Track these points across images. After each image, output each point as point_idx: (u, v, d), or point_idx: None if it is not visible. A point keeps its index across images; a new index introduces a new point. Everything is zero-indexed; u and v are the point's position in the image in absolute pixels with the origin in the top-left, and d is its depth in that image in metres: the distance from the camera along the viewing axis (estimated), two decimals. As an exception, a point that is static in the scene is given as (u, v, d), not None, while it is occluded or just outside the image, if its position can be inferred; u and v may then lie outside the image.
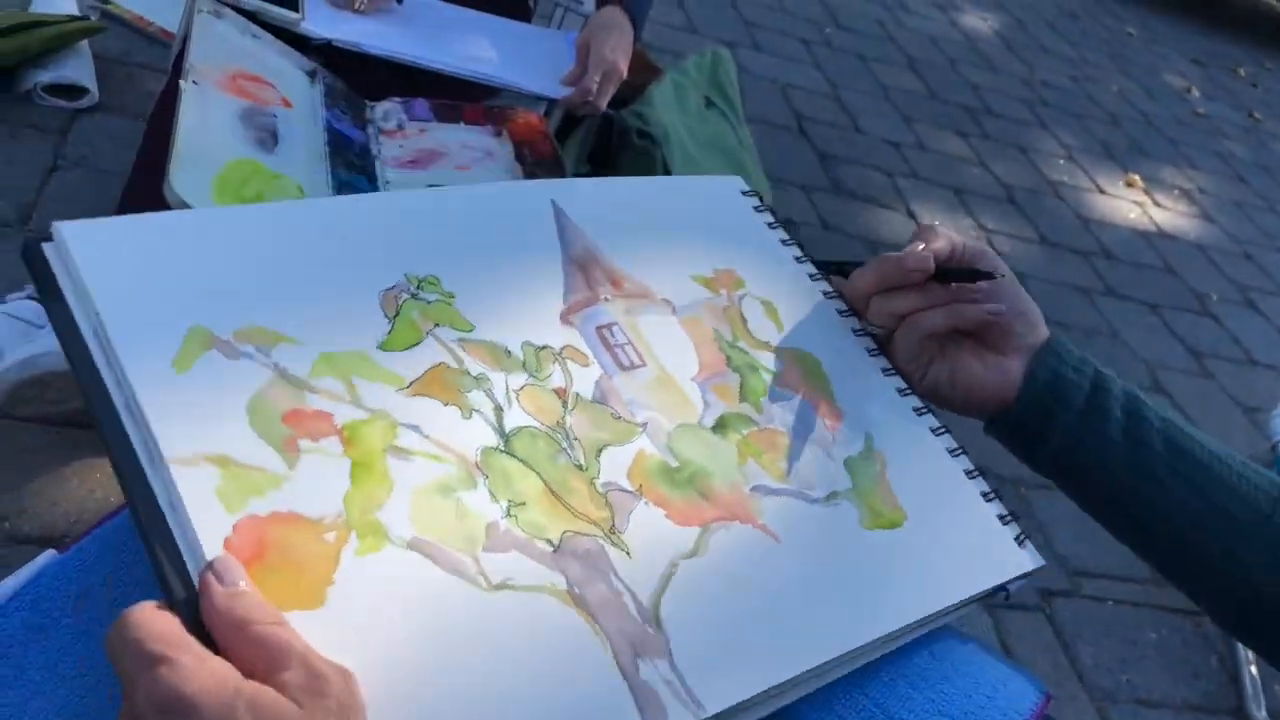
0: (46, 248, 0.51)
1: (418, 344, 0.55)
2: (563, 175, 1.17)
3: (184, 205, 0.89)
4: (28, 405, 1.30)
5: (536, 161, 1.20)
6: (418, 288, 0.57)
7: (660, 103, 1.94)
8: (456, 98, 1.29)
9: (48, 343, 1.28)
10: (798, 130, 2.94)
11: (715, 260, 0.70)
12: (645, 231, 0.69)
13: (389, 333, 0.55)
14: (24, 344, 1.29)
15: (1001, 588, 0.62)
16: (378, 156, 1.13)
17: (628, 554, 0.51)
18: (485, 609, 0.47)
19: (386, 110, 1.23)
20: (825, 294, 0.73)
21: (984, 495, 0.66)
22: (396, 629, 0.45)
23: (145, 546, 0.44)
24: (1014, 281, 0.70)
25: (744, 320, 0.67)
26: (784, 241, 0.75)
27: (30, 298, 1.36)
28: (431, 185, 1.10)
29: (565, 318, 0.61)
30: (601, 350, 0.60)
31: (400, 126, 1.21)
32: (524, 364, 0.57)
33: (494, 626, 0.46)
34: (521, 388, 0.56)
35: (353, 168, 1.05)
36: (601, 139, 1.86)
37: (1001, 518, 0.65)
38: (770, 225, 0.75)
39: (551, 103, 1.48)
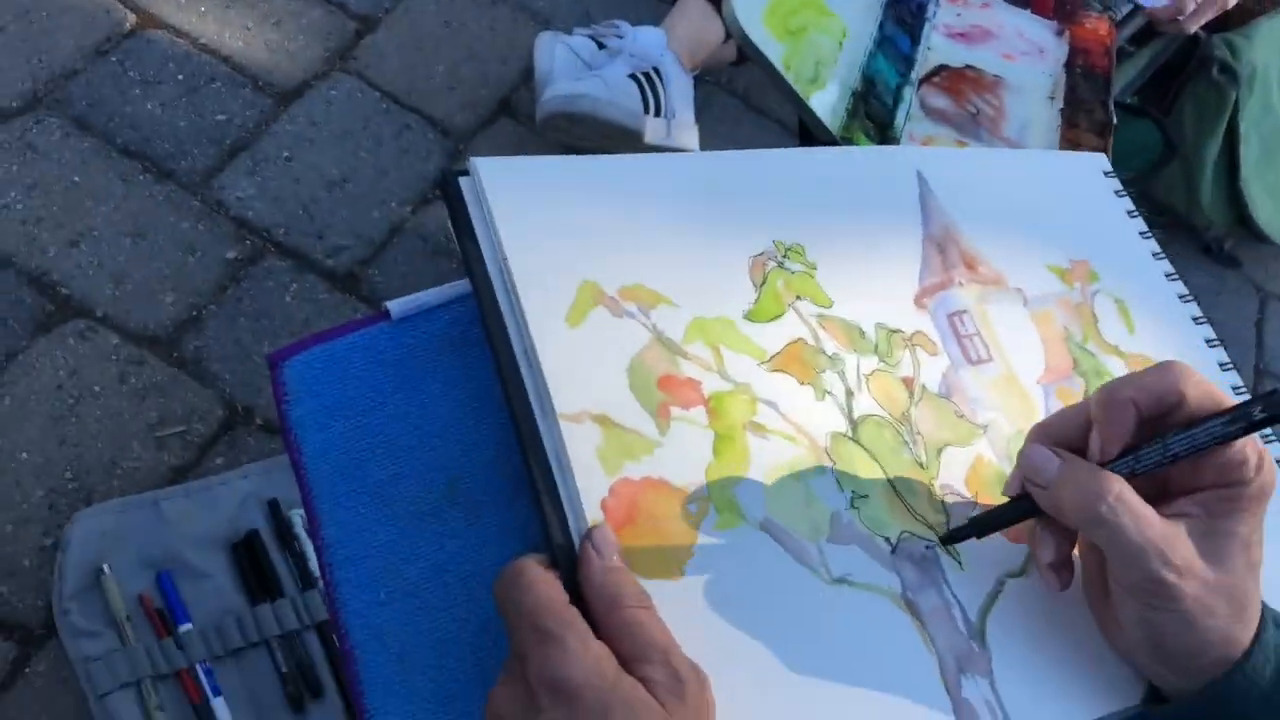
0: (463, 182, 0.55)
1: (779, 317, 0.57)
2: (1105, 97, 1.11)
3: (737, 26, 0.90)
4: (555, 133, 1.48)
5: (1085, 73, 1.15)
6: (784, 256, 0.59)
7: (1262, 39, 1.79)
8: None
9: (591, 86, 1.44)
10: None
11: (1071, 249, 0.67)
12: (1005, 212, 0.67)
13: (755, 302, 0.56)
14: (573, 80, 1.46)
15: None
16: (931, 19, 1.11)
17: (960, 564, 0.53)
18: (825, 601, 0.49)
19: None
20: (1180, 297, 0.69)
21: None
22: (744, 610, 0.48)
23: (531, 492, 0.48)
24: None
25: (1095, 319, 0.65)
26: (1143, 234, 0.71)
27: (592, 37, 1.51)
28: (970, 67, 1.08)
29: (919, 300, 0.61)
30: (951, 340, 0.60)
31: (969, -8, 1.17)
32: (876, 347, 0.58)
33: (832, 620, 0.49)
34: (872, 372, 0.57)
35: (903, 24, 1.04)
36: (1178, 60, 1.72)
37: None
38: (1130, 214, 0.71)
39: (1134, 10, 1.40)
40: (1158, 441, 0.47)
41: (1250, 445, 0.47)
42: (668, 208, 0.57)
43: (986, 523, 0.52)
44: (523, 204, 0.54)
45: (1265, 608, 0.50)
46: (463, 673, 0.49)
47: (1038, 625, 0.52)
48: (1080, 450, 0.49)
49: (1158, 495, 0.48)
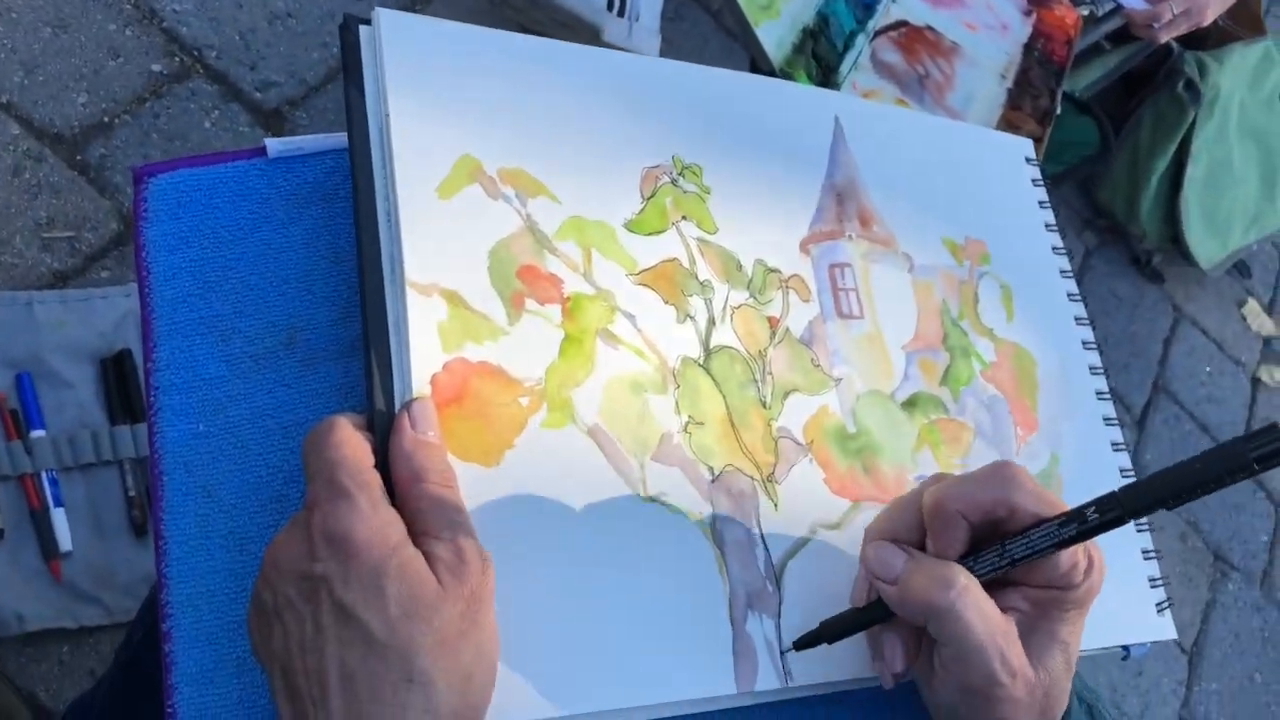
0: (363, 31, 0.53)
1: (661, 233, 0.56)
2: (1056, 86, 1.09)
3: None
4: (512, 10, 1.39)
5: (1042, 59, 1.13)
6: (680, 173, 0.58)
7: (1233, 64, 1.79)
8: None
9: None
10: None
11: (971, 227, 0.68)
12: (914, 177, 0.67)
13: (638, 213, 0.56)
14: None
15: (1124, 646, 0.63)
16: (901, -30, 1.08)
17: (775, 506, 0.53)
18: (633, 515, 0.50)
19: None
20: (1069, 295, 0.70)
21: (1144, 552, 0.65)
22: (551, 508, 0.48)
23: (364, 353, 0.47)
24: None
25: (977, 300, 0.66)
26: (1048, 226, 0.71)
27: None
28: (930, 28, 1.06)
29: (804, 246, 0.61)
30: (827, 290, 0.60)
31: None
32: (750, 282, 0.58)
33: (635, 534, 0.49)
34: (739, 306, 0.57)
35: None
36: (1149, 67, 1.71)
37: (1153, 580, 0.64)
38: (1041, 204, 0.72)
39: (1116, 8, 1.37)
40: (996, 546, 0.47)
41: (1082, 549, 0.47)
42: (572, 99, 0.56)
43: (836, 628, 0.50)
44: (418, 65, 0.52)
45: (1073, 684, 0.50)
46: (263, 519, 0.49)
47: (835, 580, 0.53)
48: (920, 547, 0.49)
49: (988, 585, 0.47)
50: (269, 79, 1.32)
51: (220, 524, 0.49)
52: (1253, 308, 2.21)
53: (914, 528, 0.49)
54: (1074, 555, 0.46)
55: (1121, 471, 0.66)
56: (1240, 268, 2.14)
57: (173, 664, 0.47)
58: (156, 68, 1.26)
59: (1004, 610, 0.47)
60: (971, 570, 0.47)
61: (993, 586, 0.48)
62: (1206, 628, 1.85)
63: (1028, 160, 0.73)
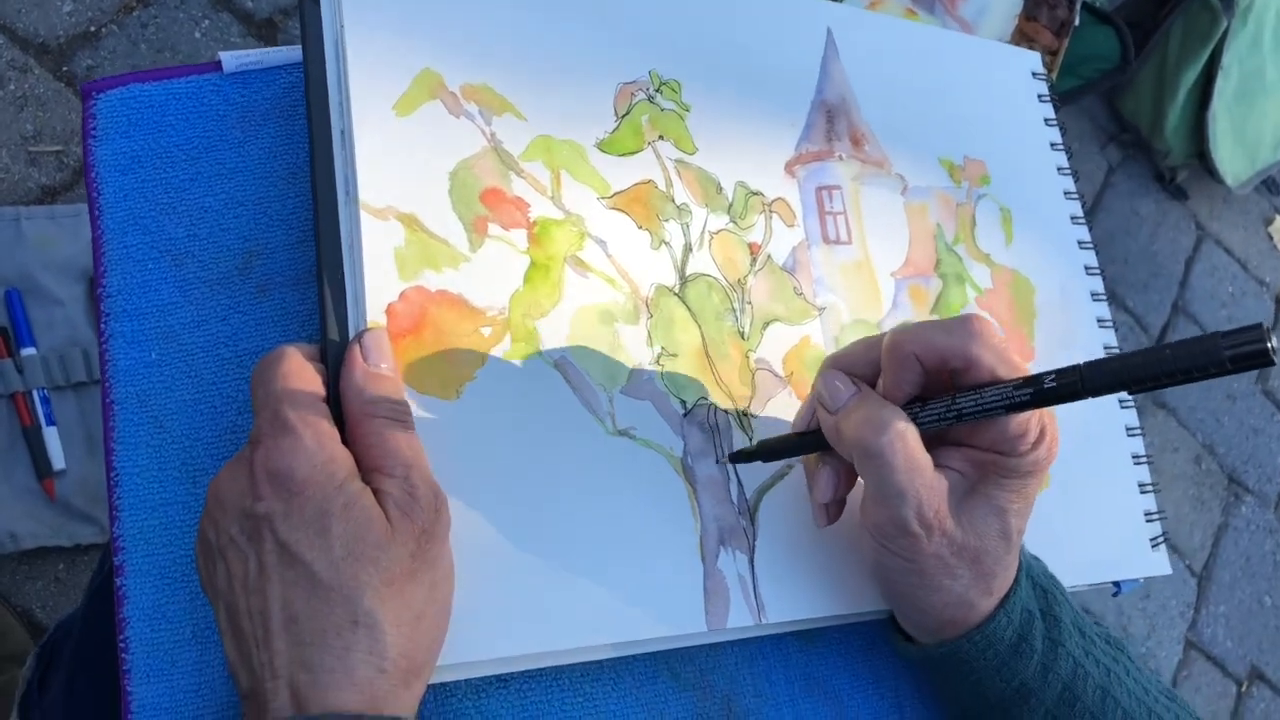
0: (319, -66, 0.50)
1: (635, 153, 0.53)
2: (1072, 1, 1.04)
3: None
4: None
5: None
6: (657, 90, 0.55)
7: None
8: None
9: None
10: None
11: (970, 147, 0.64)
12: (911, 93, 0.63)
13: (612, 132, 0.53)
14: None
15: (1115, 582, 0.61)
16: None
17: (750, 441, 0.52)
18: (601, 450, 0.48)
19: None
20: (1073, 218, 0.67)
21: (1140, 485, 0.63)
22: (514, 443, 0.46)
23: (317, 280, 0.45)
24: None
25: (974, 223, 0.63)
26: (1054, 145, 0.68)
27: None
28: None
29: (790, 167, 0.58)
30: (813, 214, 0.58)
31: None
32: (730, 206, 0.55)
33: (603, 469, 0.48)
34: (719, 231, 0.54)
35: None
36: None
37: (1149, 514, 0.63)
38: (1047, 121, 0.68)
39: None
40: (946, 398, 0.45)
41: (1036, 418, 0.45)
42: (540, 10, 0.53)
43: (773, 449, 0.50)
44: (377, -29, 0.49)
45: (1023, 566, 0.49)
46: (215, 450, 0.48)
47: (810, 515, 0.51)
48: (873, 386, 0.47)
49: (930, 440, 0.46)
50: (261, -13, 1.28)
51: (173, 456, 0.48)
52: (1280, 226, 2.15)
53: (871, 365, 0.47)
54: (1024, 421, 0.45)
55: (1120, 403, 0.64)
56: (1269, 184, 2.08)
57: (125, 598, 0.46)
58: (144, -26, 1.22)
59: (942, 468, 0.46)
60: (916, 417, 0.45)
61: (936, 444, 0.46)
62: (1217, 551, 1.84)
63: (1034, 75, 0.69)
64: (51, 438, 0.99)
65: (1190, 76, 1.79)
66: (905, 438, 0.44)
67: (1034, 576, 0.50)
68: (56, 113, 1.13)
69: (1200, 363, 0.38)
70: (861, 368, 0.48)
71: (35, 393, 1.00)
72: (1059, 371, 0.42)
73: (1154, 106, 1.86)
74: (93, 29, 1.18)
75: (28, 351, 1.01)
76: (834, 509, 0.49)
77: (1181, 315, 1.94)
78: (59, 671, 0.66)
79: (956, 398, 0.44)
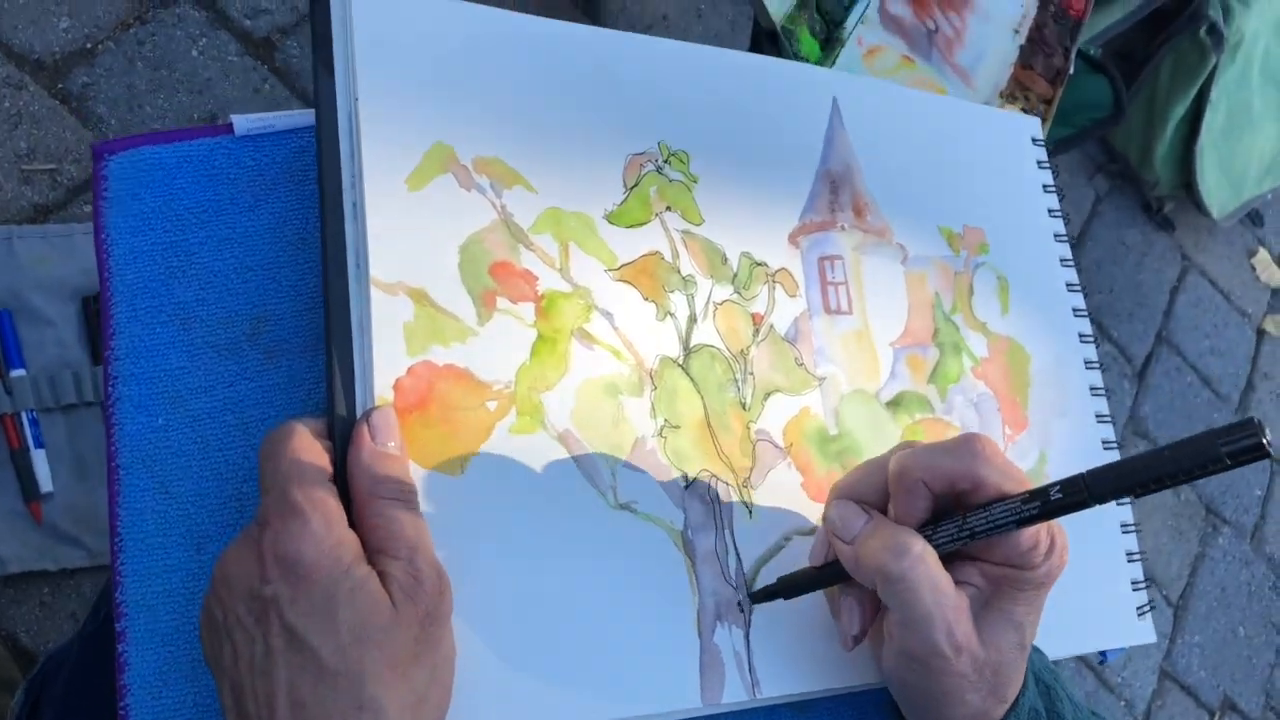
0: (335, 3, 0.50)
1: (643, 224, 0.54)
2: (1070, 44, 1.04)
3: None
4: None
5: (1058, 14, 1.07)
6: (666, 160, 0.55)
7: (1260, 7, 1.73)
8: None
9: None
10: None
11: (969, 215, 0.65)
12: (914, 163, 0.64)
13: (620, 204, 0.53)
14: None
15: (1102, 651, 0.62)
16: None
17: (749, 513, 0.52)
18: (602, 525, 0.48)
19: None
20: (1069, 285, 0.68)
21: (1129, 554, 0.64)
22: (517, 519, 0.47)
23: (325, 354, 0.46)
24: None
25: (971, 292, 0.64)
26: (1051, 211, 0.69)
27: None
28: None
29: (793, 238, 0.58)
30: (815, 284, 0.58)
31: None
32: (735, 276, 0.56)
33: (604, 544, 0.48)
34: (723, 302, 0.55)
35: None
36: (1173, 7, 1.64)
37: (1135, 583, 0.64)
38: (1045, 188, 0.69)
39: None
40: (957, 518, 0.45)
41: (1045, 529, 0.45)
42: (554, 82, 0.53)
43: (794, 584, 0.50)
44: (392, 42, 0.50)
45: (1031, 664, 0.50)
46: (220, 517, 0.48)
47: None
48: (883, 511, 0.48)
49: (945, 559, 0.46)
50: (259, 5, 1.27)
51: (178, 522, 0.48)
52: (1263, 258, 2.17)
53: (879, 490, 0.48)
54: (1035, 534, 0.45)
55: (1110, 471, 0.65)
56: (1253, 217, 2.11)
57: (126, 665, 0.46)
58: (143, -9, 1.22)
59: (959, 584, 0.46)
60: (930, 540, 0.46)
61: (951, 560, 0.47)
62: (1194, 581, 1.86)
63: (1034, 141, 0.70)
64: (39, 460, 0.99)
65: (1179, 110, 1.81)
66: (926, 560, 0.45)
67: (1038, 674, 0.51)
68: (51, 130, 1.12)
69: (1200, 461, 0.39)
70: (869, 493, 0.48)
71: (24, 414, 0.99)
72: (1063, 482, 0.43)
73: (1143, 137, 1.88)
74: (89, 46, 1.17)
75: (17, 373, 1.00)
76: (861, 638, 0.49)
77: (1165, 345, 1.96)
78: (49, 709, 0.66)
79: (968, 517, 0.45)
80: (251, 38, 1.26)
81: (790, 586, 0.50)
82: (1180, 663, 1.80)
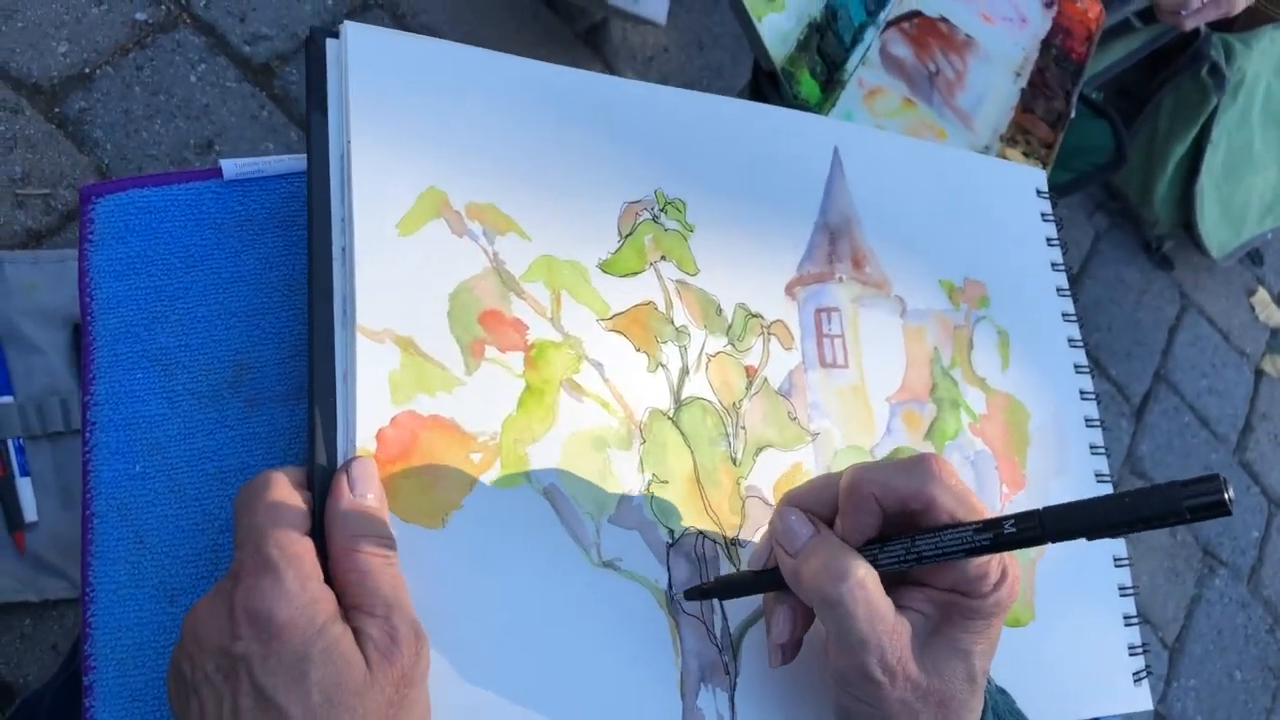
0: (330, 45, 0.49)
1: (637, 274, 0.53)
2: (1072, 87, 1.04)
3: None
4: None
5: (1060, 57, 1.07)
6: (662, 209, 0.55)
7: (1261, 48, 1.72)
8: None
9: None
10: None
11: (971, 269, 0.64)
12: (915, 215, 0.63)
13: (614, 253, 0.53)
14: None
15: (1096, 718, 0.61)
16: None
17: (737, 571, 0.51)
18: (585, 583, 0.47)
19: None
20: (1071, 341, 0.67)
21: (1125, 618, 0.63)
22: (498, 575, 0.46)
23: (308, 401, 0.45)
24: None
25: (971, 346, 0.63)
26: (1054, 265, 0.68)
27: None
28: (944, 19, 1.01)
29: (790, 289, 0.57)
30: (811, 337, 0.57)
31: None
32: (729, 328, 0.55)
33: (586, 604, 0.47)
34: (716, 353, 0.54)
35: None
36: (1175, 46, 1.65)
37: (1132, 648, 0.62)
38: (1049, 241, 0.68)
39: None
40: (906, 539, 0.44)
41: (996, 560, 0.44)
42: (549, 128, 0.53)
43: (731, 586, 0.49)
44: (385, 86, 0.49)
45: (988, 705, 0.48)
46: (194, 568, 0.47)
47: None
48: (831, 524, 0.47)
49: (890, 580, 0.45)
50: (259, 31, 1.27)
51: (151, 574, 0.47)
52: (1262, 297, 2.17)
53: (829, 505, 0.47)
54: (984, 564, 0.44)
55: (1108, 529, 0.64)
56: (1253, 256, 2.10)
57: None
58: (141, 16, 1.21)
59: (904, 609, 0.45)
60: (874, 560, 0.45)
61: (897, 583, 0.46)
62: (1190, 623, 1.84)
63: (1039, 193, 0.69)
64: (25, 489, 0.98)
65: (1179, 149, 1.81)
66: (865, 585, 0.43)
67: (1000, 715, 0.50)
68: (46, 155, 1.11)
69: (1160, 512, 0.38)
70: (819, 506, 0.47)
71: (10, 442, 0.98)
72: (1018, 516, 0.42)
73: (1143, 176, 1.88)
74: (87, 70, 1.16)
75: (4, 400, 0.99)
76: (790, 650, 0.48)
77: (1163, 384, 1.95)
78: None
79: (916, 539, 0.44)
80: (250, 64, 1.25)
81: (727, 587, 0.49)
82: (1175, 706, 1.78)
